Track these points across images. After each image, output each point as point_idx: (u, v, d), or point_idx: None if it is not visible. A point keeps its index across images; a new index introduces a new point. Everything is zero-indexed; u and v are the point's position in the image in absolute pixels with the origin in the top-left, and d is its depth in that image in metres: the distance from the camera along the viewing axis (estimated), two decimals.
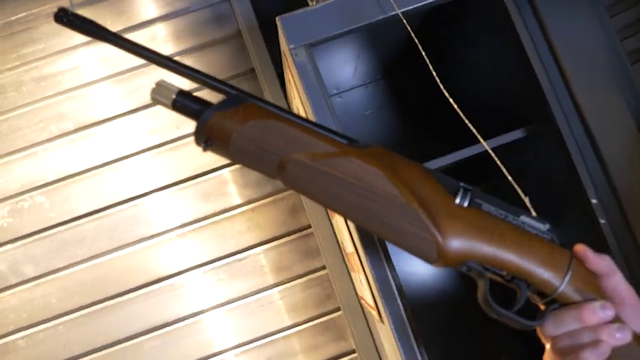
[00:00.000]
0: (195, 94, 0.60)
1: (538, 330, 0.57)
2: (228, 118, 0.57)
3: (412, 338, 0.82)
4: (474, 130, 0.85)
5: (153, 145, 1.49)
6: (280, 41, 1.01)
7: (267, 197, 1.47)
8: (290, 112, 0.60)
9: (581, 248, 0.57)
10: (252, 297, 1.44)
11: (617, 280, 0.57)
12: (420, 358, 0.82)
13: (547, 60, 0.92)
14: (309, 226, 1.44)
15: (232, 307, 1.44)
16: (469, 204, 0.57)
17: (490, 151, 0.88)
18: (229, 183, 1.48)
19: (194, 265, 1.45)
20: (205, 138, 0.58)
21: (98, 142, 1.50)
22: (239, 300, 1.43)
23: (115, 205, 1.48)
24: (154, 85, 0.59)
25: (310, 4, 1.09)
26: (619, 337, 0.53)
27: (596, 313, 0.54)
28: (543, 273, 0.55)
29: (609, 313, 0.54)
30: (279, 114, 0.59)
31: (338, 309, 1.43)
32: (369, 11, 0.92)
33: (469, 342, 1.39)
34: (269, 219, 1.46)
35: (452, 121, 0.88)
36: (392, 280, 0.84)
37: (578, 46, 0.90)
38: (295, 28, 0.92)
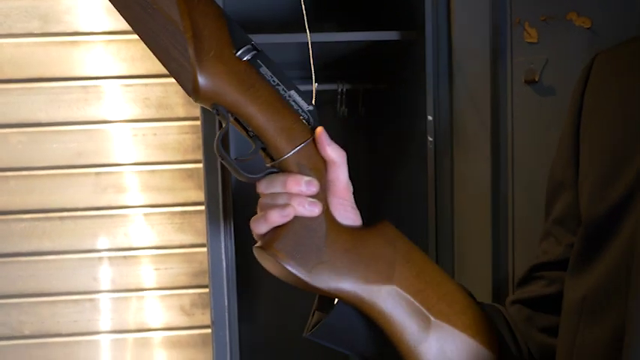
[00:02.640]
0: None
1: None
2: None
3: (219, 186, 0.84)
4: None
5: None
6: None
7: None
8: None
9: (320, 130, 0.62)
10: (126, 124, 1.43)
11: (339, 172, 0.63)
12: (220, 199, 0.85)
13: None
14: None
15: (102, 128, 1.43)
16: (248, 60, 0.61)
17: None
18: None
19: (77, 76, 1.42)
20: None
21: None
22: (112, 123, 1.43)
23: None
24: None
25: None
26: (308, 208, 0.60)
27: (300, 184, 0.60)
28: (277, 139, 0.61)
29: (312, 189, 0.61)
30: None
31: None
32: None
33: None
34: None
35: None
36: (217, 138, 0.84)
37: None
38: None
